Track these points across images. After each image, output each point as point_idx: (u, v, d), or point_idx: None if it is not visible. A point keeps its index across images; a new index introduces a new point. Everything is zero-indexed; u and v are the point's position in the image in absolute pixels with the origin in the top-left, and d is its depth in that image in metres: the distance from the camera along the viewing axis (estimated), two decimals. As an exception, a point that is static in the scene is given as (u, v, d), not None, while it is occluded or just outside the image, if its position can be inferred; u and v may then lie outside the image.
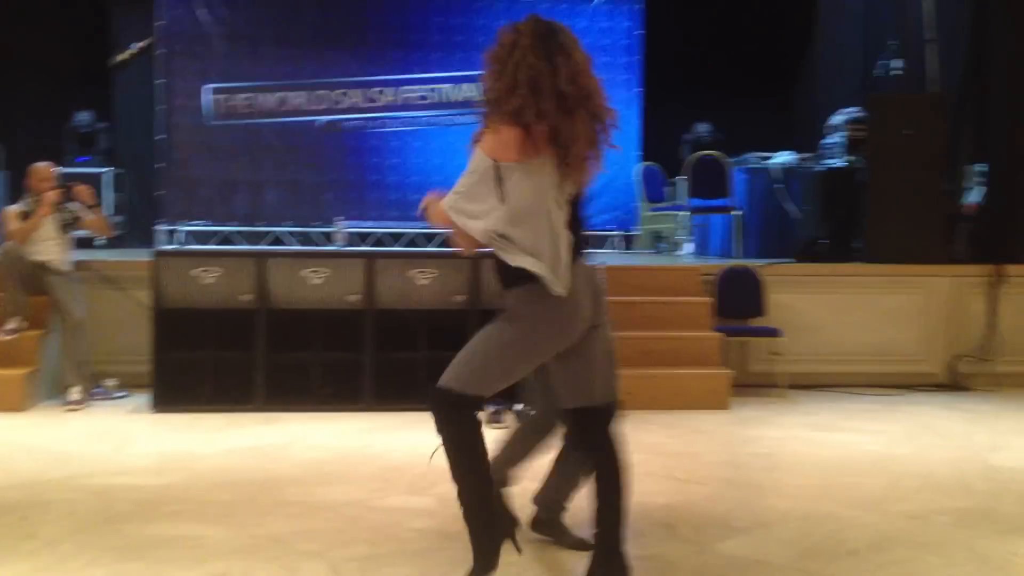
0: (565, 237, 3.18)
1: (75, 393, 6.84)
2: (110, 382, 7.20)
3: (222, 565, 3.73)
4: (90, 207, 7.25)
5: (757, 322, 7.84)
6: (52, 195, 7.09)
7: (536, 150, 3.08)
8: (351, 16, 11.54)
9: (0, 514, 4.40)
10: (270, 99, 11.44)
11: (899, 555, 3.91)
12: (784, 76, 12.25)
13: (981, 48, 8.69)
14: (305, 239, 11.28)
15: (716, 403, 7.02)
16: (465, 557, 3.77)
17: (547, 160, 3.10)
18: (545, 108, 3.04)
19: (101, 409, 6.84)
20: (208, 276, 6.82)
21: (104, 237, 8.27)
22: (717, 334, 7.44)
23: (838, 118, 9.57)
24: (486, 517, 3.31)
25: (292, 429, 6.23)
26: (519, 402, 6.63)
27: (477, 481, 3.29)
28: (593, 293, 3.31)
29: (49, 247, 7.08)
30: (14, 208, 7.22)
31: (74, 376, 6.89)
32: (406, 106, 11.70)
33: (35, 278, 7.00)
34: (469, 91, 11.44)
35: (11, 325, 6.87)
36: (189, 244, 10.97)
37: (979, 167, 9.01)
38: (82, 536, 4.08)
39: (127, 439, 5.94)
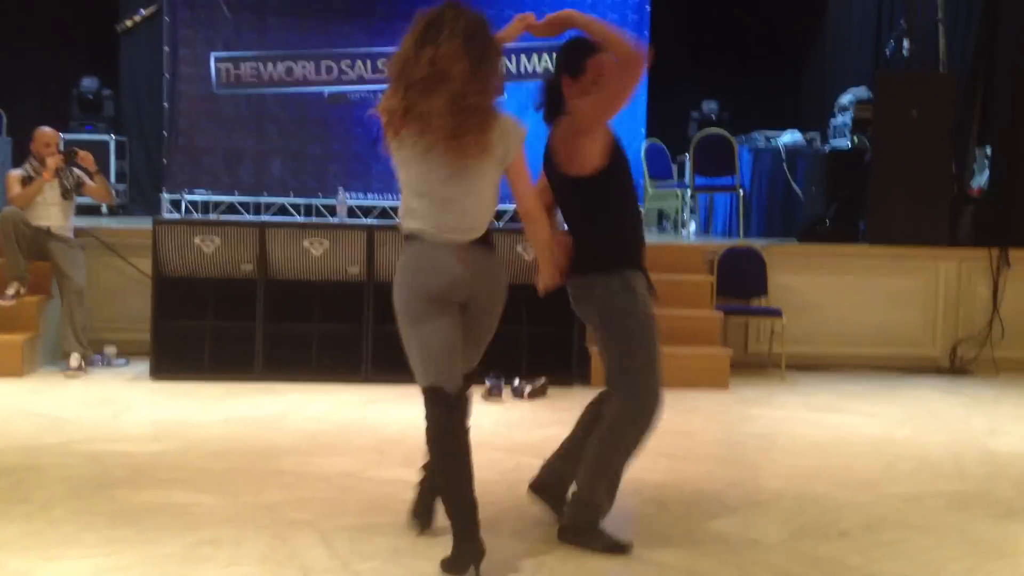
0: (439, 200, 3.34)
1: (74, 359, 6.85)
2: (110, 349, 7.22)
3: (213, 532, 3.73)
4: (92, 174, 7.23)
5: (759, 302, 7.82)
6: (55, 160, 7.08)
7: (395, 130, 3.33)
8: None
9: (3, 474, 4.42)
10: (276, 69, 11.37)
11: (890, 536, 3.91)
12: (793, 55, 12.18)
13: (991, 30, 8.62)
14: (309, 210, 11.26)
15: (716, 382, 7.01)
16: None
17: (410, 135, 3.32)
18: (405, 90, 3.30)
19: (100, 376, 6.86)
20: (208, 245, 6.82)
21: (106, 204, 8.25)
22: (718, 313, 7.42)
23: (846, 98, 9.52)
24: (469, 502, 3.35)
25: (290, 399, 6.24)
26: (517, 376, 6.65)
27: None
28: (480, 275, 3.43)
29: (51, 212, 7.07)
30: (16, 172, 7.21)
31: (74, 343, 6.90)
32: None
33: (36, 243, 7.00)
34: (476, 64, 11.37)
35: (11, 290, 6.87)
36: (193, 213, 10.96)
37: (987, 149, 8.96)
38: (75, 501, 4.10)
39: (125, 406, 5.95)
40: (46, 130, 7.26)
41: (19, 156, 9.32)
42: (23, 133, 8.95)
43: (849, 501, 4.36)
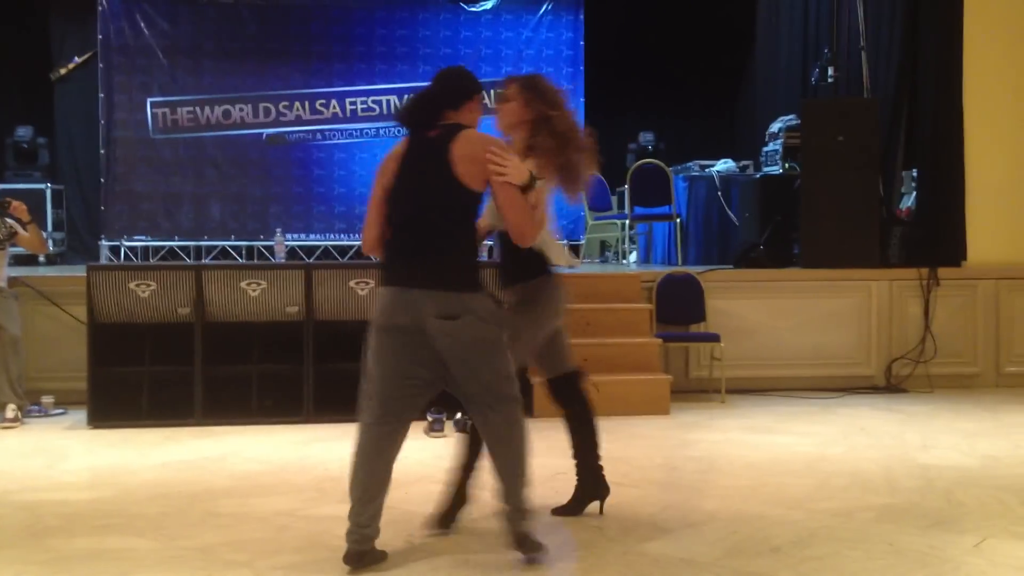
0: None
1: (10, 411, 6.75)
2: (47, 399, 7.13)
3: (146, 577, 3.71)
4: (25, 224, 7.17)
5: (697, 328, 7.93)
6: (-14, 213, 7.02)
7: None
8: (295, 28, 11.55)
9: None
10: (214, 112, 11.40)
11: (821, 550, 3.98)
12: (725, 85, 12.42)
13: (912, 55, 8.87)
14: (251, 253, 11.23)
15: (656, 408, 7.08)
16: (392, 562, 3.81)
17: None
18: None
19: (37, 426, 6.77)
20: (144, 290, 6.79)
21: (40, 254, 8.15)
22: (657, 340, 7.51)
23: (776, 126, 9.73)
24: None
25: (230, 442, 6.20)
26: (459, 411, 6.65)
27: None
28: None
29: (-13, 266, 7.00)
30: None
31: (9, 393, 6.81)
32: (352, 118, 11.72)
33: (-28, 295, 6.92)
34: (413, 103, 11.47)
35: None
36: (133, 259, 10.88)
37: (914, 172, 9.19)
38: (8, 551, 4.04)
39: (61, 455, 5.88)
40: (-23, 181, 7.21)
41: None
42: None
43: (782, 518, 4.43)
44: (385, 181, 3.83)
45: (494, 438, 3.82)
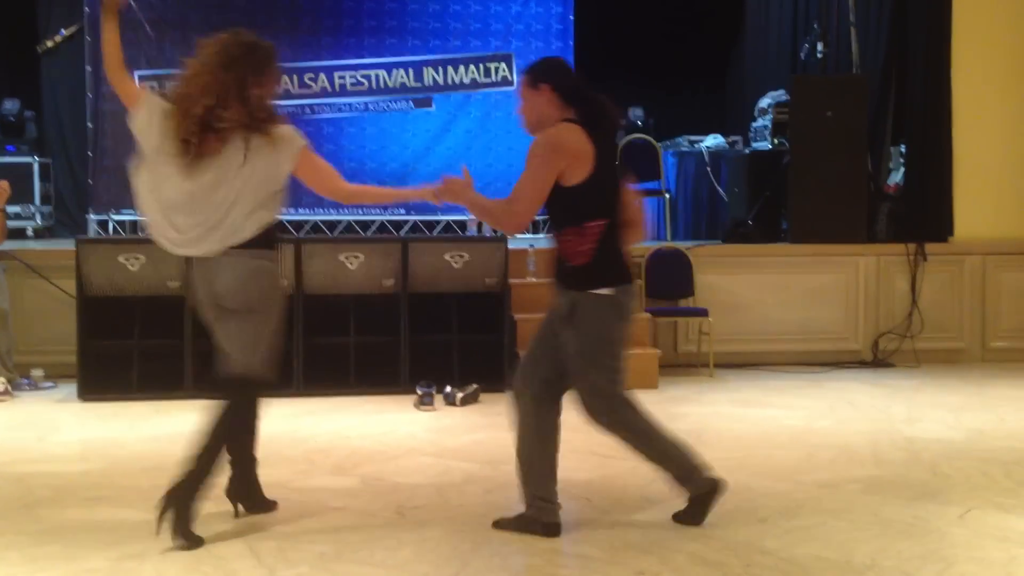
0: None
1: (0, 384, 6.75)
2: (37, 372, 7.12)
3: (139, 547, 3.73)
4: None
5: (686, 303, 7.97)
6: (-25, 187, 6.96)
7: None
8: (283, 1, 11.46)
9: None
10: (201, 86, 11.32)
11: (807, 521, 4.03)
12: (715, 60, 12.39)
13: (901, 31, 8.88)
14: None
15: (645, 383, 7.09)
16: (382, 533, 3.85)
17: None
18: None
19: (27, 399, 6.77)
20: (134, 264, 6.78)
21: None
22: (646, 315, 7.54)
23: (765, 101, 9.73)
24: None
25: (220, 415, 6.21)
26: (448, 384, 6.70)
27: None
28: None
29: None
30: None
31: (-2, 366, 6.81)
32: (340, 92, 11.64)
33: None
34: (403, 77, 11.44)
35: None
36: (121, 234, 10.85)
37: (902, 148, 9.22)
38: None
39: (51, 428, 5.90)
40: (-35, 154, 7.15)
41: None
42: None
43: (769, 490, 4.48)
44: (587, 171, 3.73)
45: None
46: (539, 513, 3.83)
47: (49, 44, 11.28)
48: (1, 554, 3.68)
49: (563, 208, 3.79)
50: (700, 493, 3.91)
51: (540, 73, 3.91)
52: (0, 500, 4.38)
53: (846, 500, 4.34)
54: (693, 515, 3.93)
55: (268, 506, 4.19)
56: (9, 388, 6.78)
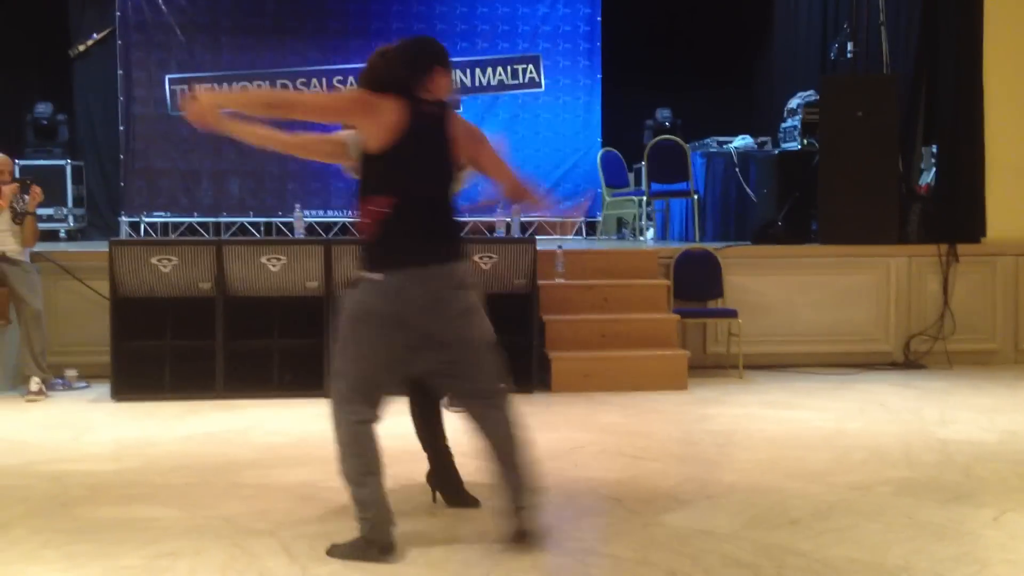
0: None
1: (34, 384, 6.83)
2: (70, 372, 7.20)
3: (172, 545, 3.77)
4: (28, 212, 7.09)
5: (715, 304, 7.94)
6: (9, 189, 7.05)
7: None
8: (311, 4, 11.53)
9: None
10: (231, 89, 11.41)
11: (839, 522, 4.01)
12: (744, 60, 12.37)
13: (932, 30, 8.82)
14: (268, 229, 11.28)
15: (674, 384, 7.11)
16: (411, 531, 3.86)
17: None
18: None
19: (61, 399, 6.85)
20: (166, 265, 6.84)
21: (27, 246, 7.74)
22: (674, 316, 7.53)
23: (794, 101, 9.70)
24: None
25: (251, 415, 6.27)
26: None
27: None
28: None
29: (4, 238, 7.05)
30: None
31: (33, 367, 6.89)
32: (368, 94, 11.68)
33: (-11, 268, 6.98)
34: (430, 79, 11.46)
35: (-32, 316, 6.86)
36: (153, 235, 10.94)
37: (933, 148, 9.15)
38: (35, 520, 4.11)
39: (85, 427, 5.96)
40: (1, 157, 7.23)
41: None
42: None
43: (801, 492, 4.46)
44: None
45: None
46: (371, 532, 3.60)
47: (81, 48, 11.43)
48: (38, 552, 3.73)
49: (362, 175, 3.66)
50: (364, 536, 3.60)
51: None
52: (36, 498, 4.43)
53: (879, 502, 4.31)
54: (343, 551, 3.61)
55: (469, 501, 4.20)
56: (43, 388, 6.86)
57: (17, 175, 7.77)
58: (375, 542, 3.59)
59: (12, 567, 3.57)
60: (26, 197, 7.13)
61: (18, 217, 7.06)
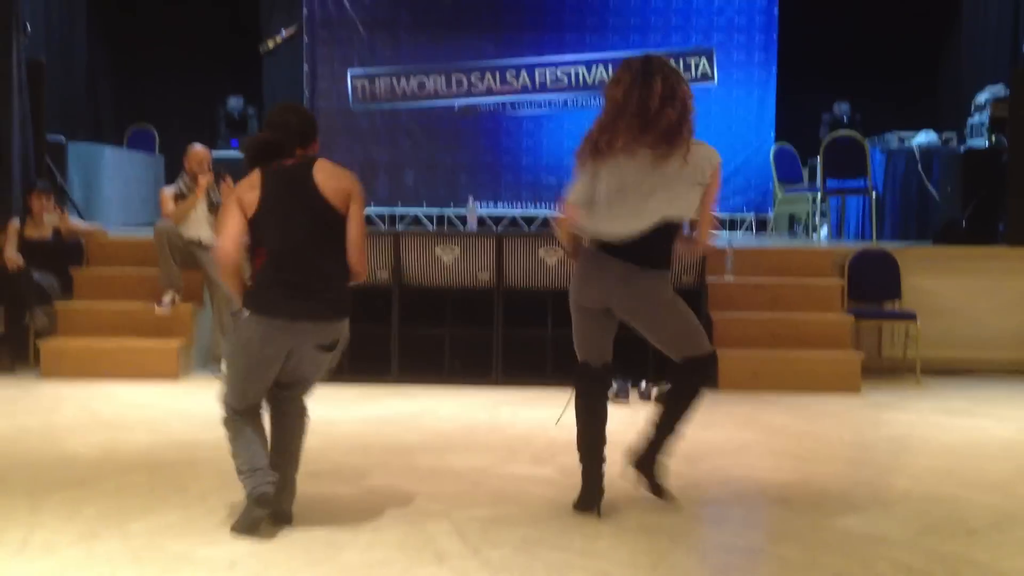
0: None
1: (225, 364, 7.24)
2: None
3: (352, 520, 3.98)
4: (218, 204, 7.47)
5: (891, 306, 7.71)
6: (206, 178, 7.49)
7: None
8: (487, 0, 11.76)
9: (156, 469, 4.79)
10: (409, 83, 11.77)
11: (1020, 534, 3.87)
12: (929, 52, 11.91)
13: None
14: (441, 220, 11.58)
15: (847, 386, 6.94)
16: (580, 522, 3.94)
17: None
18: None
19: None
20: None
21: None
22: (848, 317, 7.35)
23: (983, 96, 9.29)
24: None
25: (423, 401, 6.48)
26: (643, 379, 6.75)
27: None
28: None
29: (201, 225, 7.49)
30: (169, 189, 7.66)
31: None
32: (540, 88, 11.85)
33: (188, 254, 7.43)
34: (603, 73, 11.52)
35: (166, 299, 7.33)
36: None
37: None
38: (228, 491, 4.38)
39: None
40: (199, 149, 7.67)
41: (170, 172, 9.91)
42: (174, 151, 9.51)
43: (979, 501, 4.32)
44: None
45: None
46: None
47: (270, 45, 12.00)
48: (229, 521, 3.99)
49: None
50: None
51: None
52: (230, 471, 4.63)
53: (1064, 516, 4.14)
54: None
55: (661, 493, 4.23)
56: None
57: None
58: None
59: (208, 535, 3.85)
60: (220, 187, 7.57)
61: (213, 207, 7.49)
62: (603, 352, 4.10)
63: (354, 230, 3.90)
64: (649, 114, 3.80)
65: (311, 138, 4.07)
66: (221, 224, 3.99)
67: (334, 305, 3.93)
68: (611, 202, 3.87)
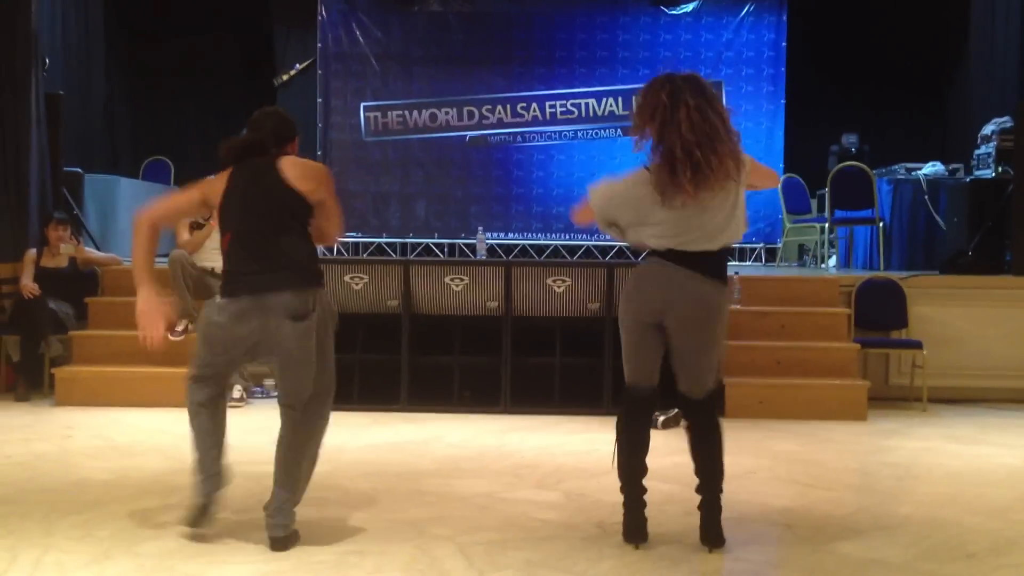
0: None
1: (237, 391, 7.33)
2: (269, 382, 7.69)
3: (360, 544, 4.05)
4: None
5: (898, 335, 7.76)
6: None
7: None
8: (498, 34, 11.94)
9: (168, 494, 4.88)
10: (421, 116, 11.94)
11: (1018, 559, 3.91)
12: (935, 84, 12.00)
13: None
14: (452, 250, 11.70)
15: (853, 414, 6.99)
16: (584, 545, 4.00)
17: None
18: None
19: (260, 406, 7.33)
20: (357, 282, 7.24)
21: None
22: (854, 345, 7.41)
23: (989, 128, 9.37)
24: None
25: (432, 428, 6.55)
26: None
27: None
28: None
29: (214, 255, 7.58)
30: (185, 219, 7.79)
31: (236, 376, 7.38)
32: (551, 120, 12.01)
33: (201, 283, 7.54)
34: (612, 105, 11.68)
35: (180, 327, 7.43)
36: (344, 254, 11.53)
37: None
38: (237, 515, 4.47)
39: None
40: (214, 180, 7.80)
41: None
42: (189, 182, 9.62)
43: (979, 527, 4.36)
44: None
45: None
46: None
47: (285, 77, 12.19)
48: (240, 544, 4.07)
49: None
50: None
51: None
52: (240, 496, 4.80)
53: (1064, 542, 4.17)
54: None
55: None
56: (245, 395, 7.37)
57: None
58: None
59: (217, 556, 3.92)
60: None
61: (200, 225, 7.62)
62: (652, 373, 4.04)
63: (328, 210, 4.14)
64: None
65: (286, 139, 4.24)
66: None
67: (298, 274, 4.03)
68: (678, 232, 3.93)
